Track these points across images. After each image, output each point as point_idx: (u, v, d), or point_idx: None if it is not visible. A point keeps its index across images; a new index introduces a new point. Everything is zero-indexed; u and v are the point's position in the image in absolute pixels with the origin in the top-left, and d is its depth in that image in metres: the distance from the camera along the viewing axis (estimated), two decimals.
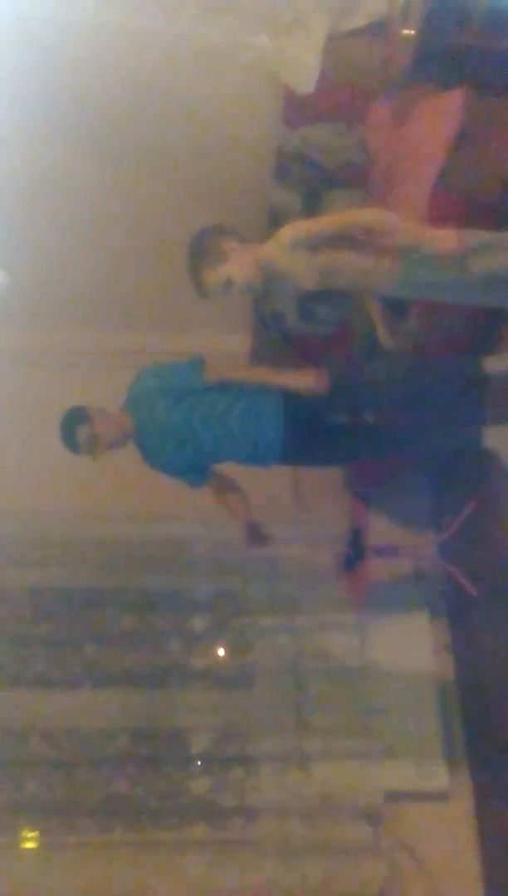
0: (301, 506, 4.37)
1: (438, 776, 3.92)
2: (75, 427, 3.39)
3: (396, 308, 3.68)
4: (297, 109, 3.79)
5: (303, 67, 3.54)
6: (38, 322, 4.58)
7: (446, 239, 2.96)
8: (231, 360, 3.93)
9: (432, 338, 3.76)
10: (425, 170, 3.54)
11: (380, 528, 4.17)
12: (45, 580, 4.21)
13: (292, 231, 3.05)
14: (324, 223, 3.09)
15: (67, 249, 4.35)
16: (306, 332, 3.97)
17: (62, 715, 3.98)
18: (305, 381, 3.39)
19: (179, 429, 3.40)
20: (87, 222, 4.27)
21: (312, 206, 3.76)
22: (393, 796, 3.90)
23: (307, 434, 3.46)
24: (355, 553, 4.04)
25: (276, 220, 3.71)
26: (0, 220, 4.10)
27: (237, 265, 3.03)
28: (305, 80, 3.56)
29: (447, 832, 3.89)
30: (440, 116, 3.54)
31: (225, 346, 4.43)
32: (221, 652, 4.13)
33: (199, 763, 3.97)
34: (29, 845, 3.86)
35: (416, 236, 2.99)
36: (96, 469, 4.23)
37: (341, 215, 3.15)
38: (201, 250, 3.03)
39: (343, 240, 3.02)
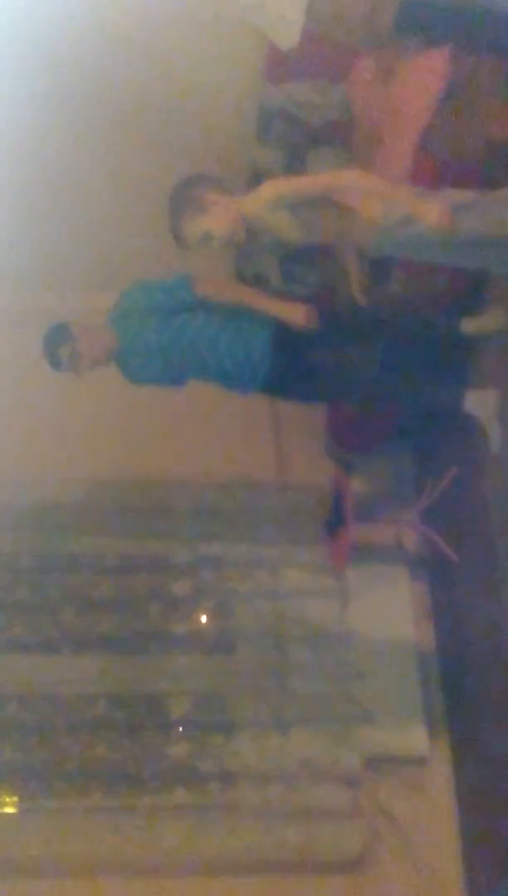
0: (284, 469, 4.35)
1: (417, 741, 3.91)
2: (58, 345, 3.32)
3: (379, 271, 3.65)
4: (280, 65, 3.73)
5: (286, 23, 3.50)
6: (15, 283, 4.51)
7: (434, 213, 2.90)
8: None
9: (414, 301, 3.73)
10: (409, 129, 3.50)
11: (362, 494, 4.16)
12: (22, 545, 4.16)
13: (272, 189, 3.00)
14: (306, 184, 3.05)
15: (47, 208, 4.28)
16: (288, 295, 3.93)
17: (40, 680, 3.95)
18: (294, 313, 3.33)
19: (166, 349, 3.32)
20: (66, 181, 4.21)
21: (295, 164, 3.71)
22: (373, 761, 3.89)
23: (292, 365, 3.40)
24: (336, 518, 4.02)
25: (258, 178, 3.66)
26: None
27: (217, 219, 2.97)
28: (288, 35, 3.52)
29: (426, 797, 3.89)
30: (425, 74, 3.48)
31: None
32: (201, 617, 4.11)
33: (179, 728, 3.95)
34: (7, 810, 3.83)
35: (404, 205, 2.94)
36: (73, 433, 4.21)
37: (323, 177, 3.10)
38: (182, 200, 2.97)
39: (325, 200, 2.98)
